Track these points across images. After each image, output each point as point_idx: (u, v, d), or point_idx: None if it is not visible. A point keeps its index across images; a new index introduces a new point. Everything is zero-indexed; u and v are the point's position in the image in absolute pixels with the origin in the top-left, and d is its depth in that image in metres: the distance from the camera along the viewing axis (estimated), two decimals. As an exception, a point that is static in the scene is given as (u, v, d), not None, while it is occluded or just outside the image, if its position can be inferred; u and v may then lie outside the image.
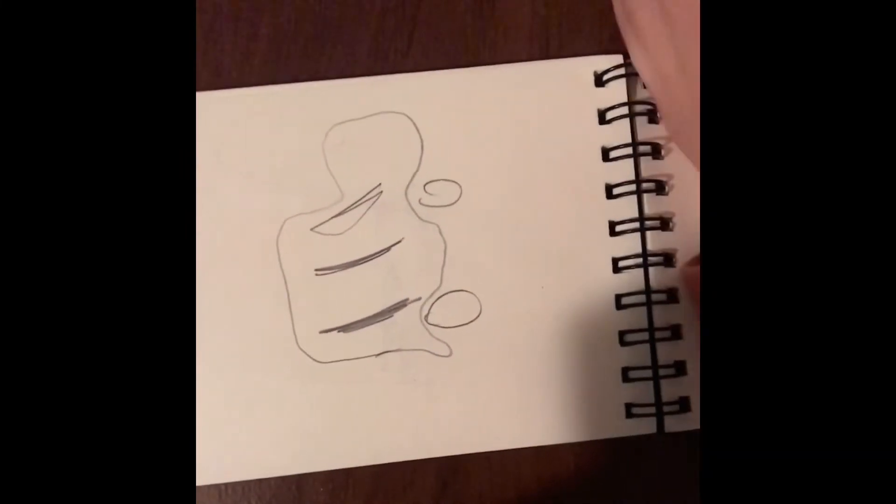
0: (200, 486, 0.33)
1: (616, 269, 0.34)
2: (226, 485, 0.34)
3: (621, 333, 0.34)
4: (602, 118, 0.34)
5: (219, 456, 0.33)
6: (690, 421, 0.34)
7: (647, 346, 0.34)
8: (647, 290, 0.34)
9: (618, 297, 0.34)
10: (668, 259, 0.34)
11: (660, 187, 0.34)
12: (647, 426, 0.34)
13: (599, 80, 0.35)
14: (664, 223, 0.34)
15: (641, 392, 0.34)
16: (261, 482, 0.33)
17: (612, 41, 0.35)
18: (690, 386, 0.34)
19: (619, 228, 0.34)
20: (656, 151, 0.34)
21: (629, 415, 0.34)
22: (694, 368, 0.34)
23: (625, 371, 0.34)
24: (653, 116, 0.35)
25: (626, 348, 0.34)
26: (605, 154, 0.34)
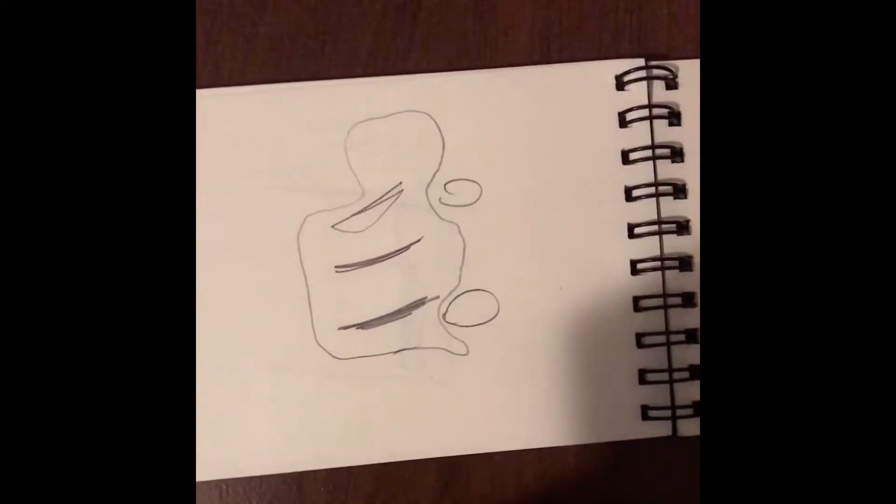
0: (209, 482, 0.33)
1: (634, 272, 0.34)
2: (227, 484, 0.34)
3: (638, 336, 0.34)
4: (622, 121, 0.35)
5: (234, 451, 0.33)
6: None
7: (664, 348, 0.34)
8: (664, 293, 0.34)
9: (635, 300, 0.34)
10: (685, 262, 0.34)
11: (678, 190, 0.34)
12: (661, 429, 0.34)
13: (620, 84, 0.35)
14: (682, 227, 0.34)
15: (657, 395, 0.34)
16: (261, 481, 0.34)
17: (612, 41, 0.35)
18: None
19: (637, 231, 0.34)
20: (676, 154, 0.34)
21: (645, 417, 0.34)
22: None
23: (641, 373, 0.34)
24: (673, 119, 0.35)
25: (643, 350, 0.34)
26: (625, 157, 0.35)
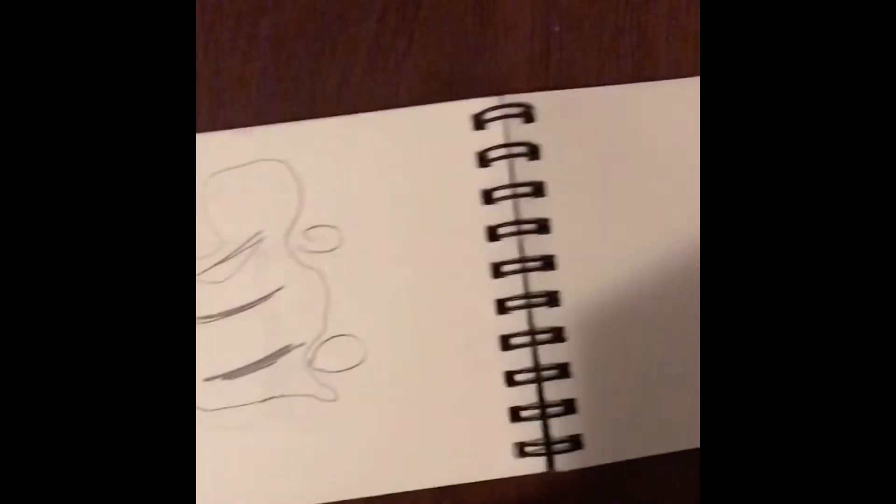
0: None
1: (500, 311, 0.34)
2: None
3: (508, 374, 0.34)
4: (482, 160, 0.35)
5: None
6: (582, 458, 0.34)
7: (535, 385, 0.34)
8: (532, 331, 0.34)
9: (503, 338, 0.34)
10: (552, 298, 0.34)
11: (541, 227, 0.34)
12: (537, 465, 0.34)
13: (478, 123, 0.35)
14: (547, 263, 0.34)
15: (532, 432, 0.34)
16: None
17: (612, 41, 0.36)
18: (581, 424, 0.34)
19: (502, 270, 0.34)
20: (537, 191, 0.35)
21: (521, 454, 0.34)
22: (584, 406, 0.34)
23: (514, 411, 0.34)
24: (531, 155, 0.35)
25: (514, 388, 0.34)
26: (487, 196, 0.35)
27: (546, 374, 0.34)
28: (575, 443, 0.34)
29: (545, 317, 0.34)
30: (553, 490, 0.34)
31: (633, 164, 0.35)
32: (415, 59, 0.35)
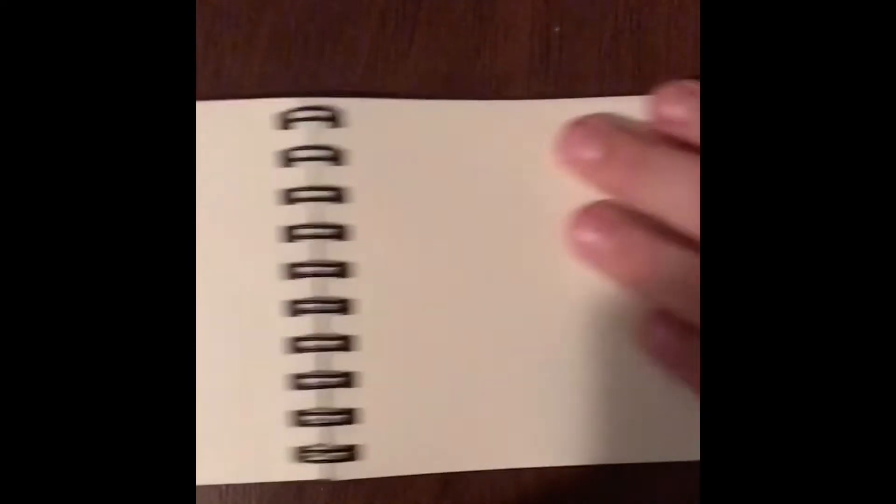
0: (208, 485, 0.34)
1: (290, 313, 0.34)
2: (226, 486, 0.34)
3: (293, 377, 0.34)
4: (283, 160, 0.34)
5: None
6: (362, 469, 0.34)
7: (320, 391, 0.34)
8: (321, 336, 0.34)
9: (290, 340, 0.34)
10: (344, 305, 0.34)
11: (340, 233, 0.34)
12: (317, 472, 0.33)
13: (282, 122, 0.34)
14: (344, 269, 0.34)
15: (313, 437, 0.34)
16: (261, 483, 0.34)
17: (612, 41, 0.35)
18: (364, 434, 0.34)
19: (295, 272, 0.34)
20: (339, 196, 0.34)
21: (298, 459, 0.33)
22: (368, 417, 0.34)
23: (296, 415, 0.34)
24: (336, 159, 0.34)
25: (297, 392, 0.34)
26: (285, 196, 0.34)
27: (332, 381, 0.34)
28: (355, 452, 0.33)
29: (336, 323, 0.34)
30: (549, 468, 0.34)
31: (453, 182, 0.34)
32: (414, 60, 0.35)
